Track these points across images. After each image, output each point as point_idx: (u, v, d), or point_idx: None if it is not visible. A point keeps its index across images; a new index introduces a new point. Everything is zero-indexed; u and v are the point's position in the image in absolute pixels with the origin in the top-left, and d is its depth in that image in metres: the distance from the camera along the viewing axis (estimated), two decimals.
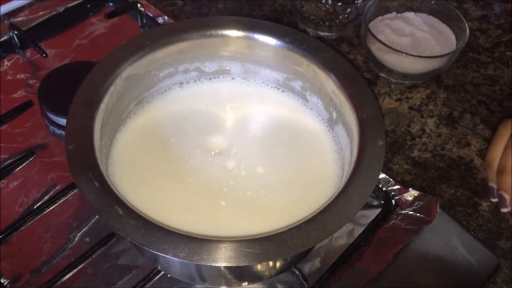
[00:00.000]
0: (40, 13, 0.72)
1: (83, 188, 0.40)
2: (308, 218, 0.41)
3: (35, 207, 0.53)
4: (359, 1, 0.77)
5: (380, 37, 0.67)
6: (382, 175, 0.57)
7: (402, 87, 0.69)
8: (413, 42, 0.68)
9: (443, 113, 0.67)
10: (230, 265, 0.38)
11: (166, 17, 0.74)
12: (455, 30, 0.70)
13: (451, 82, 0.71)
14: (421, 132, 0.65)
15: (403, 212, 0.54)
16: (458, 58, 0.73)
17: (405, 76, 0.69)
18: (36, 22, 0.71)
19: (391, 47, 0.65)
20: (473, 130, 0.65)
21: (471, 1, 0.83)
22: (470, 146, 0.63)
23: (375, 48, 0.68)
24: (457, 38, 0.70)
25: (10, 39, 0.68)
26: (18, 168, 0.57)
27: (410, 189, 0.56)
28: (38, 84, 0.62)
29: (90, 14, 0.75)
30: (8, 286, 0.48)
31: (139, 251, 0.51)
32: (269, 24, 0.54)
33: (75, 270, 0.49)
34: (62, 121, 0.59)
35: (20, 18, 0.71)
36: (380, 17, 0.73)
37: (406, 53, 0.65)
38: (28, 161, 0.57)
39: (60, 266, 0.49)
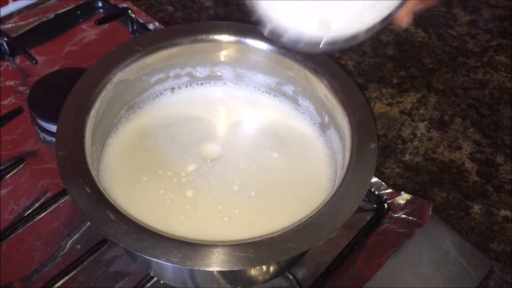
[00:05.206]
0: (30, 20, 0.71)
1: (74, 194, 0.40)
2: (301, 222, 0.41)
3: (25, 215, 0.53)
4: None
5: None
6: (374, 179, 0.57)
7: (393, 91, 0.70)
8: None
9: (434, 117, 0.67)
10: (223, 270, 0.38)
11: (156, 23, 0.73)
12: None
13: (441, 87, 0.71)
14: (412, 136, 0.65)
15: (395, 215, 0.54)
16: (448, 63, 0.73)
17: None
18: (26, 29, 0.70)
19: None
20: (464, 134, 0.66)
21: (460, 6, 0.84)
22: (461, 150, 0.64)
23: None
24: None
25: None
26: (8, 176, 0.56)
27: (402, 192, 0.56)
28: (28, 91, 0.62)
29: (81, 20, 0.75)
30: None
31: (132, 258, 0.50)
32: None
33: (67, 277, 0.49)
34: (53, 128, 0.58)
35: (10, 25, 0.70)
36: None
37: None
38: (18, 168, 0.57)
39: (51, 274, 0.49)
